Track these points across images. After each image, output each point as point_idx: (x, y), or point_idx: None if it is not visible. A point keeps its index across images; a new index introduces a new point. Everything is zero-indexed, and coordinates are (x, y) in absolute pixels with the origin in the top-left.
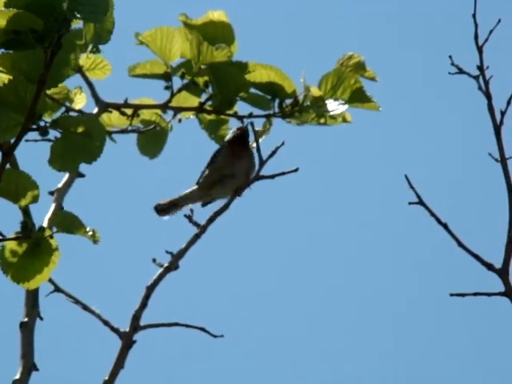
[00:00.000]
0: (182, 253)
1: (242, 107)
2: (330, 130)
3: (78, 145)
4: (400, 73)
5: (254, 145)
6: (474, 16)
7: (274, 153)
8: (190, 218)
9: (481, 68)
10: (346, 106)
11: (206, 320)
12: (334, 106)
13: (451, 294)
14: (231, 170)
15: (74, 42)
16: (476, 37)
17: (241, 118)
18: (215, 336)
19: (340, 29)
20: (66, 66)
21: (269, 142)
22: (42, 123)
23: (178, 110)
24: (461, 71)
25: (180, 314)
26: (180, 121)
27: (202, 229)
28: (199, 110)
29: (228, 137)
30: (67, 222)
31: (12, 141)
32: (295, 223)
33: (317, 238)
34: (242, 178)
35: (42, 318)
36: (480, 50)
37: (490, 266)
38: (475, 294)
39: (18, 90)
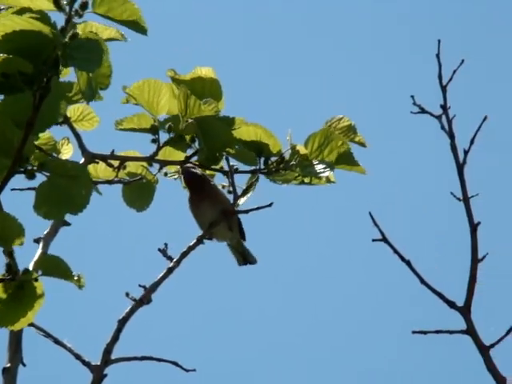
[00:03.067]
0: (154, 286)
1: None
2: None
3: (65, 190)
4: (362, 112)
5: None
6: (437, 56)
7: (248, 188)
8: (163, 251)
9: (444, 107)
10: (332, 171)
11: (179, 354)
12: (320, 168)
13: (413, 332)
14: (198, 218)
15: (63, 89)
16: (440, 76)
17: (226, 173)
18: (187, 370)
19: (326, 86)
20: (54, 111)
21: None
22: (29, 167)
23: (164, 163)
24: (423, 111)
25: (152, 347)
26: (166, 174)
27: (176, 263)
28: (185, 163)
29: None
30: (53, 266)
31: None
32: (267, 257)
33: (284, 273)
34: (210, 216)
35: (24, 365)
36: (444, 89)
37: (452, 304)
38: (437, 332)
39: (5, 134)
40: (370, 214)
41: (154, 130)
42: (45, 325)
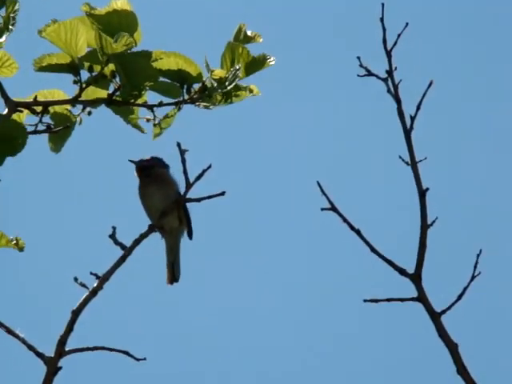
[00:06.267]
0: (107, 275)
1: (152, 97)
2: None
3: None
4: (310, 73)
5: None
6: (381, 20)
7: (200, 176)
8: (113, 237)
9: (390, 72)
10: (242, 76)
11: (131, 344)
12: (233, 80)
13: (365, 300)
14: (146, 203)
15: None
16: (384, 41)
17: (151, 108)
18: (138, 359)
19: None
20: None
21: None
22: None
23: (87, 103)
24: (369, 73)
25: (105, 338)
26: (90, 113)
27: (128, 251)
28: (109, 101)
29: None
30: None
31: None
32: (212, 231)
33: (232, 249)
34: (160, 204)
35: None
36: (389, 54)
37: (402, 271)
38: (388, 300)
39: None
40: (317, 182)
41: (74, 69)
42: None
